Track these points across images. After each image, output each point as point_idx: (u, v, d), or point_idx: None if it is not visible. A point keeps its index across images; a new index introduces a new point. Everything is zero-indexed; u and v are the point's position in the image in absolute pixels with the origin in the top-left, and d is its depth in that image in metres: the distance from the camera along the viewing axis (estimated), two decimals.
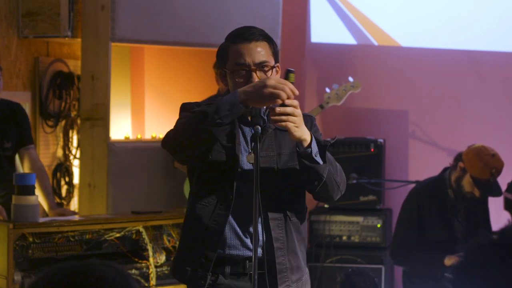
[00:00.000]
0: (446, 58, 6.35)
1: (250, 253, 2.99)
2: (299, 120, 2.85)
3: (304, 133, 2.86)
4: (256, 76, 2.95)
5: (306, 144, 2.87)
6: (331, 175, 2.93)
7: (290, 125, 2.82)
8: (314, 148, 2.89)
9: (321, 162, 2.90)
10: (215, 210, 3.03)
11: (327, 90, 5.69)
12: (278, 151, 3.02)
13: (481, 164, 4.72)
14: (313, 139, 2.89)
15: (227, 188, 3.01)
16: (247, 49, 2.96)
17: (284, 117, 2.82)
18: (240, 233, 3.02)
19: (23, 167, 4.58)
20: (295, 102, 2.84)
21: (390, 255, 5.16)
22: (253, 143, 2.85)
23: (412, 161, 6.43)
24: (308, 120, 3.05)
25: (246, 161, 2.97)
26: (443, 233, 4.86)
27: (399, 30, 6.43)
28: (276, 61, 3.03)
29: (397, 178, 6.17)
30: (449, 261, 4.75)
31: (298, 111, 2.85)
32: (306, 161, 2.89)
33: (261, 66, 2.97)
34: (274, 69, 3.00)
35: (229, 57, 3.00)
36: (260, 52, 2.97)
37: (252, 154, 2.91)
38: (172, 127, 3.13)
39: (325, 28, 6.56)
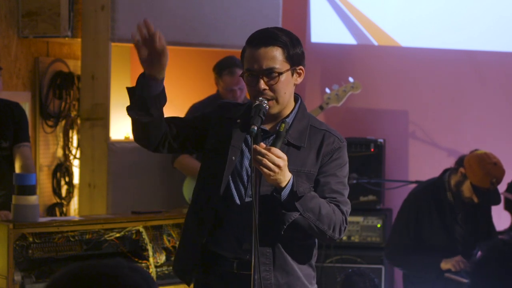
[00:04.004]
0: (446, 58, 6.35)
1: (239, 255, 3.00)
2: (278, 170, 2.81)
3: (280, 181, 2.84)
4: (263, 83, 2.95)
5: (280, 188, 2.86)
6: (308, 220, 2.90)
7: (263, 170, 2.82)
8: (284, 194, 2.86)
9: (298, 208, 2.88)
10: (208, 209, 3.05)
11: (327, 90, 5.69)
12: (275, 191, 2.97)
13: (482, 173, 4.69)
14: (290, 183, 2.85)
15: (217, 189, 3.03)
16: (257, 55, 2.96)
17: (259, 159, 2.81)
18: (233, 234, 3.02)
19: (14, 164, 4.58)
20: (277, 154, 2.82)
21: (385, 255, 5.15)
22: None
23: (412, 161, 6.43)
24: (331, 143, 3.04)
25: (244, 164, 3.01)
26: (443, 236, 4.85)
27: (399, 30, 6.43)
28: (295, 64, 3.00)
29: (397, 178, 6.17)
30: (445, 265, 4.74)
31: (277, 161, 2.81)
32: (279, 207, 2.89)
33: (268, 72, 2.96)
34: (284, 74, 2.97)
35: (244, 59, 3.03)
36: (269, 58, 2.95)
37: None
38: None
39: (325, 28, 6.56)
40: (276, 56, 2.96)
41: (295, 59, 3.00)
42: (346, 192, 3.06)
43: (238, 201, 3.02)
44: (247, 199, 3.01)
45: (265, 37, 2.98)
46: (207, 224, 3.03)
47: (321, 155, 3.03)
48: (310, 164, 3.01)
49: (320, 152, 3.03)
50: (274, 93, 2.97)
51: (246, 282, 2.90)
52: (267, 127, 3.05)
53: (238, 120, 3.05)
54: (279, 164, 2.81)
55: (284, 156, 2.84)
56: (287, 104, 3.04)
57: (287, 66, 2.98)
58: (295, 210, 2.88)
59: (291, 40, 3.00)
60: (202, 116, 3.18)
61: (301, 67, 3.03)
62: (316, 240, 3.14)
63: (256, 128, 2.84)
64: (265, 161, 2.80)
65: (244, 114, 3.05)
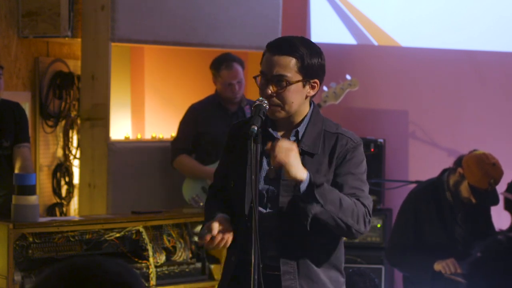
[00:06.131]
0: (446, 58, 6.35)
1: (265, 262, 3.01)
2: (292, 152, 2.88)
3: (298, 172, 2.87)
4: (271, 89, 2.98)
5: (298, 182, 2.89)
6: (331, 214, 2.93)
7: (279, 157, 2.86)
8: (303, 187, 2.89)
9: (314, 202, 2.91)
10: (236, 220, 3.10)
11: (325, 88, 5.69)
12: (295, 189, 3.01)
13: (480, 173, 4.69)
14: (307, 180, 2.88)
15: (241, 208, 3.07)
16: (270, 60, 2.99)
17: (272, 153, 2.88)
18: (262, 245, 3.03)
19: (14, 164, 4.59)
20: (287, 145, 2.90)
21: (385, 256, 5.16)
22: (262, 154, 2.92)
23: (412, 161, 6.43)
24: (343, 145, 3.05)
25: (261, 177, 3.03)
26: (443, 236, 4.85)
27: (399, 30, 6.43)
28: (309, 76, 3.00)
29: (397, 178, 6.17)
30: (438, 265, 4.73)
31: (287, 143, 2.89)
32: (301, 203, 2.92)
33: (277, 79, 2.98)
34: (294, 84, 2.98)
35: (261, 62, 3.06)
36: (281, 66, 2.97)
37: (273, 168, 3.00)
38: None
39: (325, 28, 6.56)
40: (289, 66, 2.97)
41: (310, 71, 2.99)
42: (366, 188, 3.12)
43: (262, 214, 3.04)
44: (268, 210, 3.04)
45: (282, 45, 3.00)
46: (239, 242, 3.08)
47: (334, 158, 3.04)
48: (324, 170, 3.03)
49: (334, 156, 3.04)
50: (281, 100, 2.99)
51: (271, 280, 2.98)
52: (279, 133, 3.08)
53: None
54: (291, 147, 2.88)
55: (293, 144, 2.92)
56: (297, 113, 3.04)
57: (299, 77, 2.98)
58: (311, 208, 2.92)
59: (310, 52, 2.99)
60: (226, 158, 3.23)
61: (316, 80, 3.03)
62: (342, 243, 3.19)
63: (256, 128, 2.85)
64: (277, 150, 2.86)
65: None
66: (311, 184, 2.88)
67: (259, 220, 2.95)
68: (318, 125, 3.07)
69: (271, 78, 2.98)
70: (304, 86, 3.01)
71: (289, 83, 2.97)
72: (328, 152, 3.04)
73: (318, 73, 3.03)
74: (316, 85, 3.04)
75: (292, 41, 3.02)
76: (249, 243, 2.99)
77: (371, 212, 3.07)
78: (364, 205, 3.06)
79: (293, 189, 2.92)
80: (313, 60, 2.99)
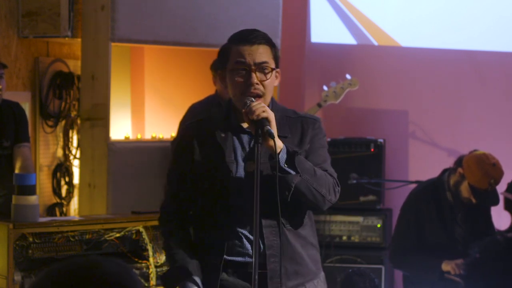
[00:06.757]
0: (446, 58, 6.35)
1: (250, 259, 3.00)
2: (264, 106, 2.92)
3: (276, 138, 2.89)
4: (256, 77, 2.97)
5: (277, 151, 2.89)
6: (307, 183, 2.92)
7: (255, 107, 2.88)
8: (283, 158, 2.89)
9: (292, 172, 2.90)
10: (216, 219, 3.07)
11: (325, 88, 5.69)
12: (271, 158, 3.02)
13: (480, 174, 4.69)
14: (284, 148, 2.90)
15: (224, 198, 3.05)
16: (249, 50, 2.99)
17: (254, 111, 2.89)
18: (242, 239, 3.04)
19: (14, 164, 4.59)
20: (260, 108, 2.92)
21: (389, 259, 5.15)
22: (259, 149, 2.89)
23: (412, 161, 6.43)
24: (311, 128, 3.08)
25: (241, 170, 3.02)
26: (443, 236, 4.85)
27: (399, 30, 6.43)
28: (277, 66, 3.06)
29: (397, 178, 6.17)
30: (446, 266, 4.73)
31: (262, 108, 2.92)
32: (277, 172, 2.89)
33: (261, 66, 2.99)
34: (274, 72, 3.02)
35: (230, 57, 3.02)
36: (262, 54, 2.99)
37: (252, 162, 2.97)
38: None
39: (325, 28, 6.56)
40: (267, 53, 3.02)
41: (277, 60, 3.07)
42: (329, 161, 3.13)
43: (244, 206, 3.01)
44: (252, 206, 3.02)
45: (257, 35, 3.02)
46: (224, 242, 3.05)
47: (306, 140, 3.07)
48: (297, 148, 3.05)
49: (305, 138, 3.07)
50: (265, 89, 3.00)
51: (263, 276, 2.97)
52: (244, 125, 3.06)
53: (223, 134, 3.05)
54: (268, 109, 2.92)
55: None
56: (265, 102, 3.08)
57: (274, 65, 3.04)
58: (293, 178, 2.92)
59: (274, 42, 3.08)
60: (187, 159, 3.20)
61: (278, 70, 3.09)
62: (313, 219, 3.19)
63: (269, 127, 2.86)
64: (257, 105, 2.90)
65: (225, 125, 3.07)
66: (290, 152, 2.90)
67: (245, 220, 2.97)
68: (278, 111, 3.09)
69: (255, 66, 2.98)
70: (276, 75, 3.06)
71: (272, 69, 3.01)
72: (298, 135, 3.07)
73: (279, 63, 3.10)
74: (278, 74, 3.09)
75: (261, 31, 3.06)
76: (230, 242, 3.01)
77: (338, 182, 3.07)
78: (331, 175, 3.05)
79: (270, 158, 2.92)
80: (277, 49, 3.09)
